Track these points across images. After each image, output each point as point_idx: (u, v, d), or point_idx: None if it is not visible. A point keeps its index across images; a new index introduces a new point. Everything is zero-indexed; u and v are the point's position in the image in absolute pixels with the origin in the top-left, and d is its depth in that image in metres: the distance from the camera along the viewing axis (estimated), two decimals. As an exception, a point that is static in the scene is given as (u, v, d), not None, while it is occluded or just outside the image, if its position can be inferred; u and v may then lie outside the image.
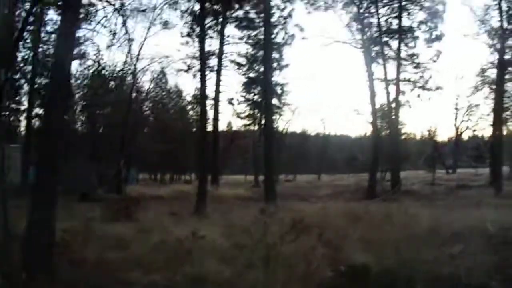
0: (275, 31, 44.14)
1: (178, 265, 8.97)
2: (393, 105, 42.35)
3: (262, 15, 37.60)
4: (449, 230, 11.39)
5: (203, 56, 25.88)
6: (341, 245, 9.56)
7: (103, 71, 51.12)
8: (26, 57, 41.07)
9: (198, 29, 30.73)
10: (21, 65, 41.14)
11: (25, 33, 39.46)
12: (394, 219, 13.52)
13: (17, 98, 46.46)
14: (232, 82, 74.49)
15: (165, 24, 39.97)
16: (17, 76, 41.91)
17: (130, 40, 11.77)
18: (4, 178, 9.01)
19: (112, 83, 50.25)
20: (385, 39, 42.30)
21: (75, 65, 54.68)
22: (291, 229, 8.81)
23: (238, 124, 64.09)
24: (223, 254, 9.56)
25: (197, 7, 28.15)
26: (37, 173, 9.31)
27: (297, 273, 7.80)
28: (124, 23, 11.60)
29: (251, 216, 13.33)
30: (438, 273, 7.80)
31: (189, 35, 44.25)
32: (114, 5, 11.67)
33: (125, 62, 16.95)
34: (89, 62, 50.60)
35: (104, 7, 12.55)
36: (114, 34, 11.15)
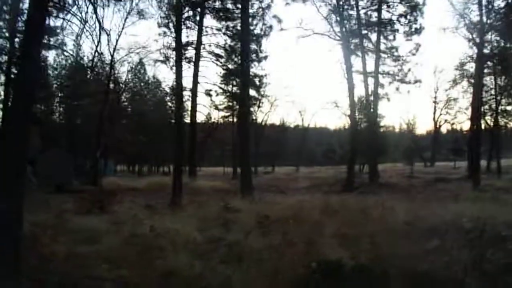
0: (254, 22, 43.88)
1: (150, 260, 8.75)
2: (372, 98, 42.41)
3: (239, 5, 37.33)
4: (426, 224, 11.29)
5: (179, 47, 25.56)
6: (316, 240, 9.36)
7: (81, 62, 50.74)
8: (1, 46, 40.56)
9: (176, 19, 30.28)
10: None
11: (0, 23, 39.02)
12: (370, 213, 13.43)
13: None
14: (211, 73, 74.42)
15: (141, 13, 39.47)
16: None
17: (102, 29, 11.44)
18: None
19: (89, 73, 49.67)
20: (364, 31, 42.35)
21: (52, 56, 54.29)
22: (257, 224, 8.66)
23: (217, 116, 63.89)
24: (196, 248, 9.34)
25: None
26: (3, 164, 8.82)
27: (269, 268, 7.61)
28: (95, 11, 11.25)
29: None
30: (414, 269, 7.64)
31: (166, 25, 43.84)
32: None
33: (96, 52, 16.64)
34: (67, 53, 50.25)
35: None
36: (85, 22, 10.86)
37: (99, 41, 12.73)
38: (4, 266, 7.79)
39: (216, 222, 10.13)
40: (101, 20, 12.14)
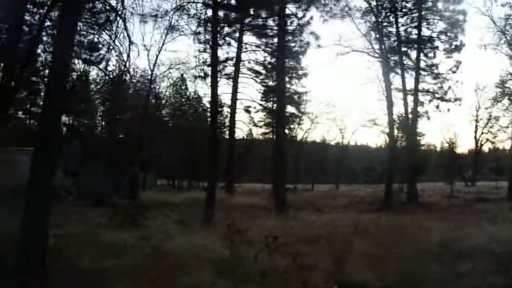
0: (293, 39, 43.77)
1: (175, 276, 8.69)
2: (411, 116, 41.86)
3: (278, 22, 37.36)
4: (460, 246, 11.06)
5: (215, 63, 25.61)
6: (344, 260, 9.22)
7: (123, 77, 51.36)
8: (44, 60, 41.33)
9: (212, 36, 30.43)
10: (40, 68, 41.33)
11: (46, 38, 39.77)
12: (405, 233, 13.21)
13: (36, 101, 46.59)
14: (251, 90, 74.53)
15: (174, 29, 39.69)
16: (35, 79, 42.02)
17: (132, 43, 11.64)
18: None
19: (131, 88, 50.38)
20: (404, 49, 41.86)
21: (94, 70, 55.25)
22: (285, 242, 8.56)
23: (257, 132, 63.74)
24: (223, 265, 9.25)
25: (210, 13, 27.93)
26: (31, 176, 8.61)
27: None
28: (125, 27, 11.40)
29: (259, 226, 13.03)
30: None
31: (204, 41, 44.14)
32: (115, 8, 11.53)
33: (124, 66, 16.78)
34: (110, 68, 50.99)
35: (107, 10, 12.39)
36: (115, 37, 11.04)
37: (128, 56, 12.80)
38: (30, 280, 7.87)
39: (245, 239, 10.03)
40: (130, 35, 12.20)
